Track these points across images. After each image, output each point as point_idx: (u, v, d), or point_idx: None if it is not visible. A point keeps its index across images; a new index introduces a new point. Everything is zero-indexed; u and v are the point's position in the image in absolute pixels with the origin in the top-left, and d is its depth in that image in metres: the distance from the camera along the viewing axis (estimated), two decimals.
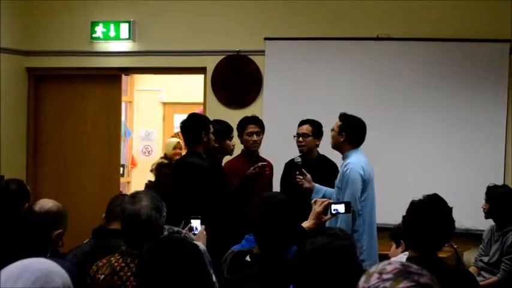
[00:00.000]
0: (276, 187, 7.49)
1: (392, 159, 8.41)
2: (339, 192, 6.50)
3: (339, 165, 7.01)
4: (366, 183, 6.50)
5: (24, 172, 9.73)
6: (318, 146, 7.27)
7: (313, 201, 4.99)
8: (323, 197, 6.58)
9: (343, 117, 6.66)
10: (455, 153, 8.35)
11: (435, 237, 4.03)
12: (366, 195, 6.51)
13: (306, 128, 7.21)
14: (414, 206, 4.10)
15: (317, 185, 6.88)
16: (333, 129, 6.70)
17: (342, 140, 6.60)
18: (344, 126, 6.60)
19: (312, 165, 7.13)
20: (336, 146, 6.71)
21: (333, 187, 6.83)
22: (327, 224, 5.36)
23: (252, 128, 7.35)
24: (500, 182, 7.60)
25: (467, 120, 8.34)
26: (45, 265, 2.50)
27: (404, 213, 4.18)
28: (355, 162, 6.50)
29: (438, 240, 4.08)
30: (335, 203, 5.04)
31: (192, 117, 6.91)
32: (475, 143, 8.31)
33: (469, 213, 7.63)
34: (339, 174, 6.60)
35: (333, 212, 4.97)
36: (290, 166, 7.30)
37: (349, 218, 6.24)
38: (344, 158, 6.63)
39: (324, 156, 7.30)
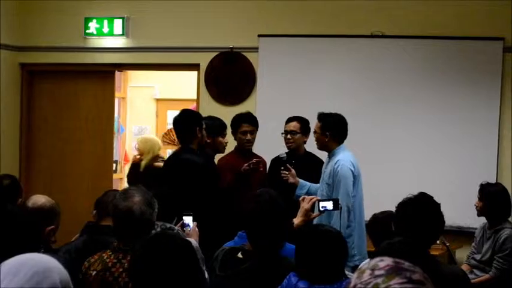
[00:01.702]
0: None
1: (385, 157, 8.40)
2: (329, 189, 6.52)
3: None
4: (355, 178, 6.54)
5: (17, 167, 9.72)
6: (305, 142, 7.28)
7: (301, 198, 5.00)
8: (307, 192, 6.62)
9: (322, 116, 6.69)
10: (448, 150, 8.35)
11: (425, 234, 4.04)
12: (355, 190, 6.55)
13: (294, 125, 7.22)
14: (402, 205, 4.12)
15: (301, 181, 6.92)
16: (315, 132, 6.71)
17: (327, 139, 6.63)
18: (325, 125, 6.63)
19: (300, 161, 7.14)
20: (322, 146, 6.73)
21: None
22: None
23: (245, 127, 7.34)
24: (493, 180, 7.61)
25: (460, 118, 8.34)
26: (43, 261, 2.49)
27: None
28: (345, 158, 6.54)
29: (429, 236, 4.09)
30: (323, 200, 5.06)
31: (186, 113, 6.89)
32: (468, 141, 8.31)
33: (462, 211, 7.67)
34: (328, 172, 6.60)
35: (321, 209, 4.99)
36: (276, 162, 7.32)
37: (344, 214, 6.29)
38: (331, 156, 6.65)
39: (311, 153, 7.31)
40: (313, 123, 7.02)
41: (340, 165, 6.48)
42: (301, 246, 3.68)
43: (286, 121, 7.30)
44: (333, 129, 6.62)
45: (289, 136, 7.21)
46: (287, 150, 7.27)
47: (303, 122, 7.24)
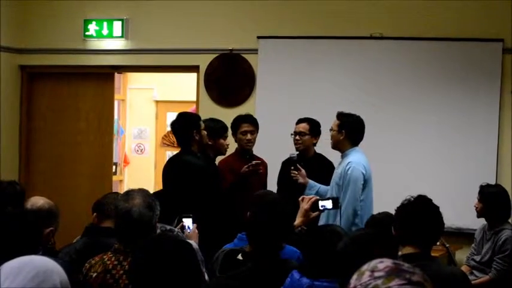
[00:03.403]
0: (270, 186, 7.48)
1: (384, 159, 8.38)
2: (339, 190, 6.53)
3: (335, 164, 7.05)
4: (366, 182, 6.55)
5: (16, 170, 9.72)
6: (315, 144, 7.28)
7: (300, 198, 5.00)
8: (317, 193, 6.62)
9: (341, 115, 6.69)
10: (447, 152, 8.34)
11: (425, 236, 4.04)
12: (365, 194, 6.56)
13: (303, 127, 7.22)
14: (401, 208, 4.12)
15: (311, 181, 6.92)
16: (331, 129, 6.72)
17: (341, 138, 6.64)
18: (343, 124, 6.64)
19: (309, 163, 7.14)
20: (336, 145, 6.73)
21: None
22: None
23: (246, 127, 7.34)
24: (493, 181, 7.61)
25: (460, 120, 8.34)
26: (44, 262, 2.51)
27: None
28: (357, 161, 6.56)
29: (429, 238, 4.09)
30: (322, 200, 5.05)
31: (182, 116, 6.87)
32: (467, 142, 8.30)
33: (461, 213, 7.66)
34: (339, 172, 6.61)
35: (321, 208, 4.98)
36: (287, 165, 7.30)
37: (349, 216, 6.31)
38: (343, 157, 6.66)
39: (321, 155, 7.31)
40: (323, 123, 7.05)
41: (352, 168, 6.50)
42: (308, 244, 3.70)
43: (297, 122, 7.31)
44: (350, 128, 6.65)
45: (297, 137, 7.21)
46: (297, 152, 7.27)
47: (313, 124, 7.23)
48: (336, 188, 6.58)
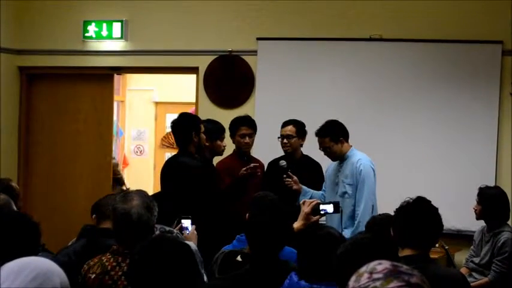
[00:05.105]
0: None
1: (384, 160, 8.37)
2: (353, 189, 6.61)
3: (323, 165, 7.12)
4: (375, 177, 6.65)
5: (15, 170, 9.71)
6: (302, 145, 7.31)
7: (301, 202, 5.02)
8: (311, 198, 6.65)
9: (323, 131, 6.77)
10: (447, 153, 8.34)
11: (424, 238, 4.04)
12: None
13: (290, 129, 7.24)
14: (400, 210, 4.12)
15: (304, 187, 6.95)
16: (326, 148, 6.75)
17: (342, 145, 6.74)
18: (333, 134, 6.72)
19: (297, 165, 7.16)
20: (341, 154, 6.79)
21: (317, 187, 6.93)
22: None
23: (244, 130, 7.34)
24: (492, 183, 7.61)
25: (459, 121, 8.33)
26: (44, 263, 2.51)
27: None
28: (365, 157, 6.75)
29: (428, 240, 4.09)
30: (323, 203, 5.07)
31: (183, 117, 6.88)
32: (467, 144, 8.30)
33: (461, 215, 7.67)
34: (347, 172, 6.69)
35: (321, 212, 5.00)
36: (273, 166, 7.34)
37: (369, 213, 6.37)
38: (347, 158, 6.72)
39: (307, 157, 7.35)
40: (311, 127, 7.04)
41: (363, 164, 6.62)
42: (304, 247, 3.70)
43: (282, 125, 7.32)
44: (341, 132, 6.75)
45: (285, 140, 7.23)
46: (283, 154, 7.29)
47: (299, 126, 7.26)
48: (349, 188, 6.67)
